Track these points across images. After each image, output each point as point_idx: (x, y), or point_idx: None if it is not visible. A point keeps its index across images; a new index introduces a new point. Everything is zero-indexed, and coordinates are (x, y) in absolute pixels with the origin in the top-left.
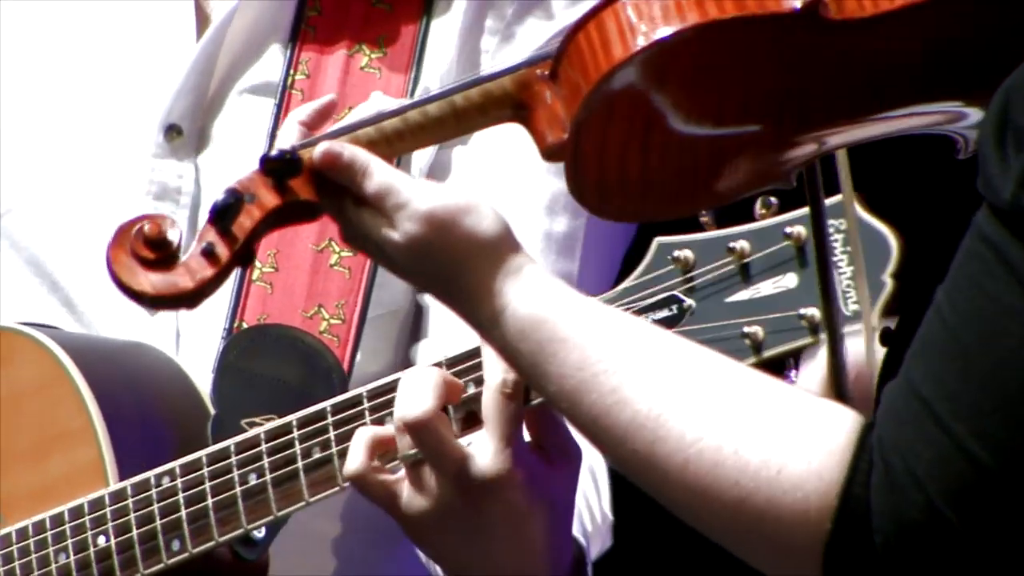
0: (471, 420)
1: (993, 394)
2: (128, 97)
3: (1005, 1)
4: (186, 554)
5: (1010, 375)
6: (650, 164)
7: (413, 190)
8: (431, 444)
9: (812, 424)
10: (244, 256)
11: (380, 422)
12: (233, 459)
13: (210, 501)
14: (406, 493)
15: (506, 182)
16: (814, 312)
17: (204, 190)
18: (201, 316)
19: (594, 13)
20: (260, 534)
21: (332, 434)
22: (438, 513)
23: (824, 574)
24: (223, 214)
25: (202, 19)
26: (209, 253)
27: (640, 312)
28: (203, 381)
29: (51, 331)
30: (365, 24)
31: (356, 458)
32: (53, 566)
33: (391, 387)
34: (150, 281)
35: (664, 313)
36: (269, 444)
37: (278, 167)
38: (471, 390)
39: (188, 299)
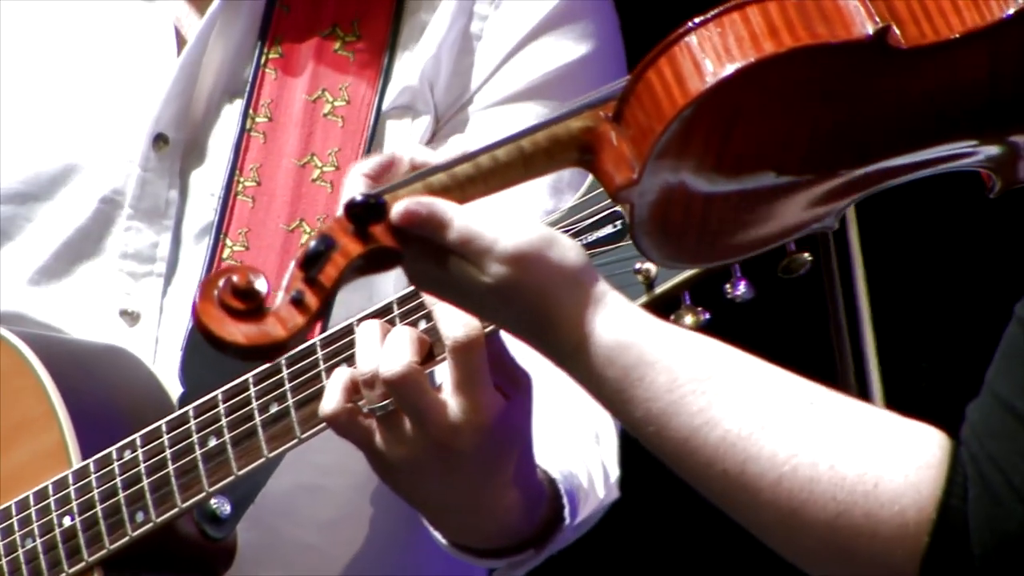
0: (427, 356)
1: None
2: (112, 114)
3: None
4: (150, 524)
5: None
6: (713, 204)
7: (495, 231)
8: (412, 399)
9: (904, 439)
10: (329, 305)
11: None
12: (192, 423)
13: (171, 468)
14: (379, 441)
15: None
16: None
17: (190, 201)
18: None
19: (665, 48)
20: (227, 510)
21: (288, 387)
22: (411, 459)
23: None
24: (312, 261)
25: (181, 39)
26: (298, 302)
27: (584, 230)
28: (174, 387)
29: (13, 327)
30: (339, 7)
31: (333, 398)
32: (20, 551)
33: (342, 334)
34: (242, 332)
35: (608, 230)
36: (227, 404)
37: (362, 212)
38: (422, 326)
39: (280, 348)
